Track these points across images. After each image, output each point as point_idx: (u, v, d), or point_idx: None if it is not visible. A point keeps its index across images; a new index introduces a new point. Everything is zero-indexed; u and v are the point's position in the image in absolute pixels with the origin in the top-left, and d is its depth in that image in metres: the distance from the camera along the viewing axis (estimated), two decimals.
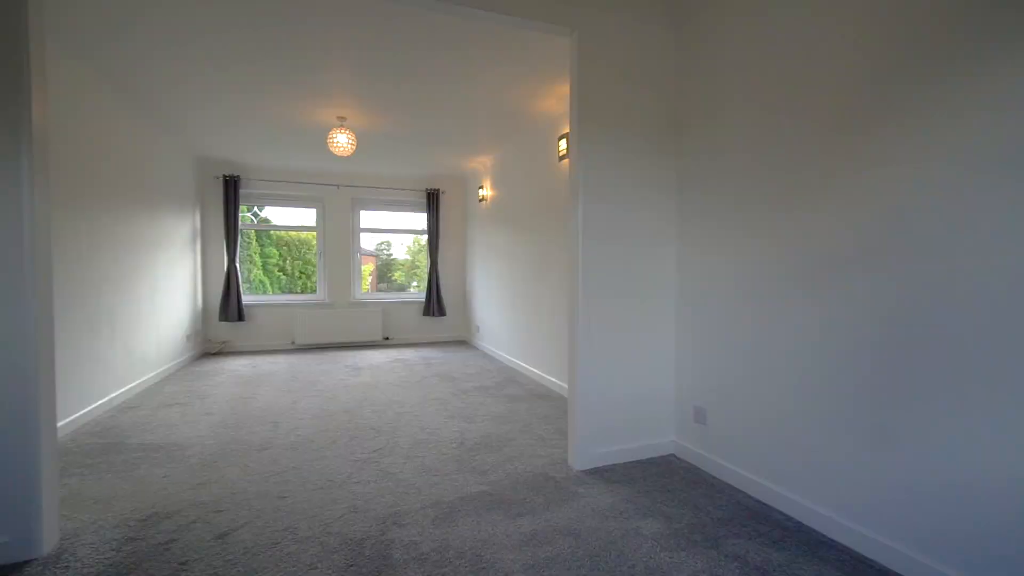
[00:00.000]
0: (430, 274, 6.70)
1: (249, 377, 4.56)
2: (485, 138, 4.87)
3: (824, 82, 1.84)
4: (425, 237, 6.94)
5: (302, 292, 6.79)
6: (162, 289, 4.57)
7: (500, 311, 5.51)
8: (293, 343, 6.19)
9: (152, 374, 4.27)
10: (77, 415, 3.07)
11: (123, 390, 3.71)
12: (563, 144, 3.90)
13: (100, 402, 3.36)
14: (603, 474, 2.39)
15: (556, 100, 3.79)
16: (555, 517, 1.97)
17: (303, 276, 6.95)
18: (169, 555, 1.71)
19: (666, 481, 2.31)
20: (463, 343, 6.76)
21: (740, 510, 2.04)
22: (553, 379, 4.12)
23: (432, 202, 6.67)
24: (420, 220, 6.96)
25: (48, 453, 1.73)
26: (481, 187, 6.05)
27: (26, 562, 1.66)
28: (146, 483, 2.27)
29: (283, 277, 6.95)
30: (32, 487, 1.67)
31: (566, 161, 3.91)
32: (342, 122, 4.25)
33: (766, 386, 2.10)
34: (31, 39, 1.65)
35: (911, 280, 1.57)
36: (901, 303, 1.60)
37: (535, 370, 4.50)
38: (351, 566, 1.64)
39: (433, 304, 6.68)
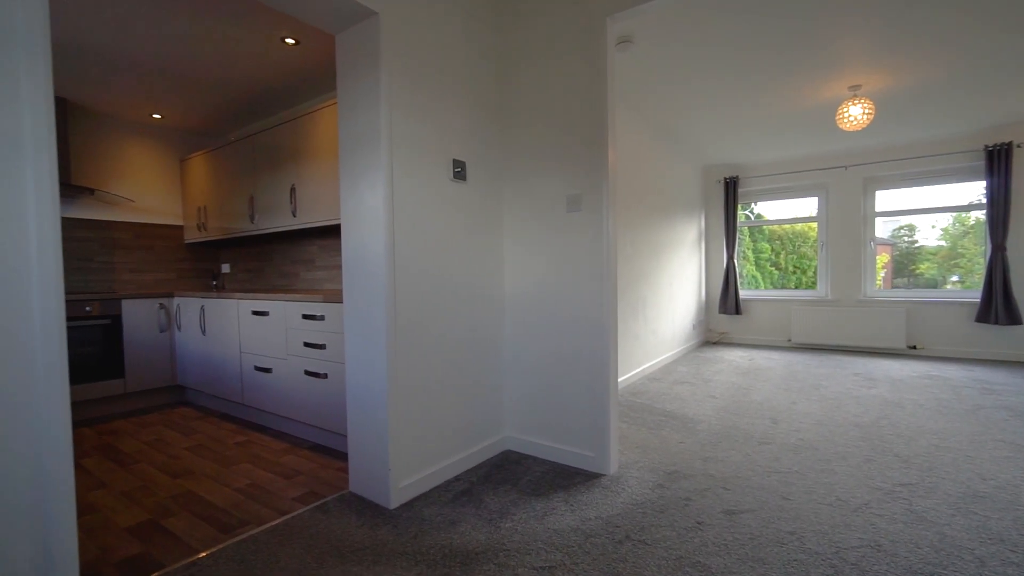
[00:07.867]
0: (991, 264, 4.78)
1: (746, 369, 4.73)
2: None
3: None
4: (979, 214, 5.01)
5: (796, 287, 6.39)
6: (676, 283, 5.42)
7: None
8: (789, 341, 5.93)
9: (668, 354, 5.15)
10: (623, 378, 4.12)
11: (650, 364, 4.67)
12: None
13: (636, 371, 4.38)
14: None
15: None
16: None
17: (797, 271, 6.54)
18: (688, 511, 2.02)
19: None
20: None
21: None
22: None
23: (997, 162, 4.72)
24: (968, 192, 5.09)
25: (613, 402, 2.42)
26: None
27: (601, 475, 2.38)
28: (668, 443, 2.78)
29: (775, 272, 6.77)
30: (606, 424, 2.38)
31: None
32: (855, 91, 3.68)
33: None
34: (608, 108, 2.33)
35: None
36: None
37: None
38: None
39: (996, 307, 4.75)
